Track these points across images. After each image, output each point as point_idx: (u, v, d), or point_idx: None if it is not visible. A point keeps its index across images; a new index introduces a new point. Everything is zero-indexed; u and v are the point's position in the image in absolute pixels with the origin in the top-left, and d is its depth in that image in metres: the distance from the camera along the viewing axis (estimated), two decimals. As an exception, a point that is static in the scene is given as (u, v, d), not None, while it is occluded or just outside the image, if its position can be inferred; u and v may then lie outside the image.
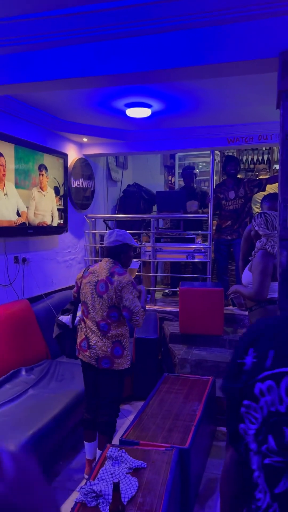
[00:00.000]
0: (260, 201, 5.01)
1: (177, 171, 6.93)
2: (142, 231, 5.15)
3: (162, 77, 2.29)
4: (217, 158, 6.96)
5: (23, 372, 3.06)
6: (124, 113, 3.69)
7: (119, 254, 2.49)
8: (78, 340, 2.56)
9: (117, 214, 5.64)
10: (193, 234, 4.96)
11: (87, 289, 2.48)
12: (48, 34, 2.22)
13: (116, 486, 1.51)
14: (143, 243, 4.98)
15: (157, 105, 3.48)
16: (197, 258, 4.77)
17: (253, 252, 2.68)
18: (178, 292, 4.30)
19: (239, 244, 4.57)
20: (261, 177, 5.37)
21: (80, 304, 2.59)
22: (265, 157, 6.44)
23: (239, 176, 5.28)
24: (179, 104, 3.47)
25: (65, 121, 4.16)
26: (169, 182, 6.82)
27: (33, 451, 2.24)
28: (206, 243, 4.77)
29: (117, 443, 2.37)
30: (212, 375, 3.51)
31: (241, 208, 4.57)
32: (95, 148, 4.85)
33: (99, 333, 2.44)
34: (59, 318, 2.69)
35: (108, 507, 1.65)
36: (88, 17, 2.08)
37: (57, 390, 2.85)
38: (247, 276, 2.71)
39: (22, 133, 3.66)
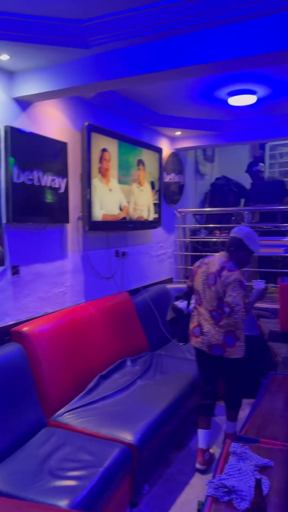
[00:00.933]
0: None
1: (268, 161, 6.64)
2: (235, 225, 5.01)
3: (276, 59, 2.16)
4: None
5: (129, 363, 3.13)
6: (225, 102, 3.60)
7: (233, 247, 2.52)
8: (191, 326, 2.66)
9: (206, 207, 5.56)
10: (290, 227, 4.71)
11: (200, 279, 2.60)
12: (155, 26, 2.21)
13: (258, 483, 1.46)
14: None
15: (262, 91, 3.33)
16: (276, 252, 4.52)
17: None
18: (278, 288, 4.10)
19: None
20: None
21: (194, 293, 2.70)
22: None
23: None
24: (286, 89, 3.29)
25: (160, 114, 4.18)
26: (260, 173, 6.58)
27: (149, 441, 2.27)
28: (307, 237, 4.49)
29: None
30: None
31: None
32: (187, 142, 4.81)
33: (212, 321, 2.55)
34: (175, 303, 2.80)
35: (243, 504, 1.60)
36: (197, 4, 2.01)
37: (164, 382, 2.88)
38: None
39: (123, 129, 3.75)
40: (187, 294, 2.79)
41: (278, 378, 3.02)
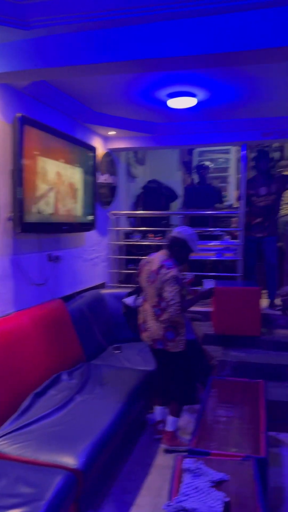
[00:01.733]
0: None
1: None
2: (167, 228, 5.04)
3: (225, 60, 2.17)
4: (237, 154, 6.88)
5: (65, 377, 2.92)
6: (164, 104, 3.57)
7: (174, 247, 2.68)
8: (139, 322, 2.85)
9: (136, 210, 5.50)
10: (221, 231, 4.86)
11: (144, 276, 2.76)
12: (91, 14, 2.08)
13: (227, 506, 1.39)
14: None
15: (202, 94, 3.37)
16: (226, 256, 4.67)
17: None
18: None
19: (269, 242, 4.48)
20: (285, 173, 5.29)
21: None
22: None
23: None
24: (224, 93, 3.36)
25: (95, 111, 4.02)
26: (190, 179, 6.74)
27: (94, 463, 2.10)
28: (236, 241, 4.67)
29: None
30: (255, 378, 3.41)
31: (272, 204, 4.47)
32: (121, 142, 4.71)
33: (154, 317, 2.71)
34: (124, 299, 2.98)
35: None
36: None
37: (105, 395, 2.72)
38: None
39: (55, 123, 3.51)
40: (137, 289, 2.92)
41: (218, 383, 3.05)
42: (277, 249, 4.59)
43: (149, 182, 5.86)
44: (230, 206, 5.69)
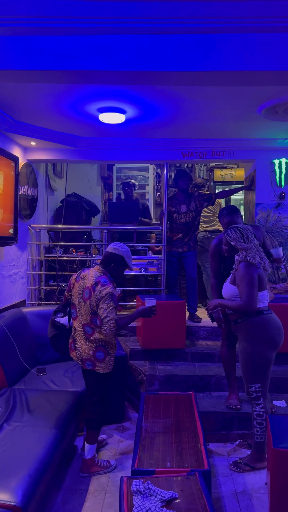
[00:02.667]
0: (213, 215, 5.22)
1: (115, 183, 6.90)
2: (91, 243, 4.96)
3: (152, 79, 2.27)
4: (154, 172, 7.12)
5: (-12, 405, 2.65)
6: (93, 117, 3.55)
7: (111, 263, 2.64)
8: (70, 340, 2.76)
9: (57, 224, 5.35)
10: (143, 246, 4.95)
11: (77, 293, 2.67)
12: (20, 19, 2.03)
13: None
14: (94, 255, 4.79)
15: (131, 111, 3.41)
16: (151, 271, 4.76)
17: (234, 266, 2.75)
18: (136, 305, 4.22)
19: (190, 257, 4.69)
20: (204, 192, 5.62)
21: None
22: (203, 173, 6.76)
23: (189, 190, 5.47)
24: (152, 112, 3.46)
25: (17, 120, 3.82)
26: (108, 196, 6.77)
27: (35, 494, 1.92)
28: (160, 256, 4.78)
29: (129, 474, 2.17)
30: (183, 390, 3.48)
31: (191, 221, 4.69)
32: (42, 153, 4.55)
33: (84, 336, 2.64)
34: (55, 320, 2.80)
35: None
36: (67, 5, 1.96)
37: (34, 422, 2.53)
38: (229, 289, 2.77)
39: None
40: (66, 306, 2.81)
41: (151, 398, 3.04)
42: (197, 263, 4.82)
43: (69, 195, 5.74)
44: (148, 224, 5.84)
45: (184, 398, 3.02)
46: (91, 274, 2.64)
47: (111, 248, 2.68)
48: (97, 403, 2.71)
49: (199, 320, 4.56)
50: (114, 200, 6.74)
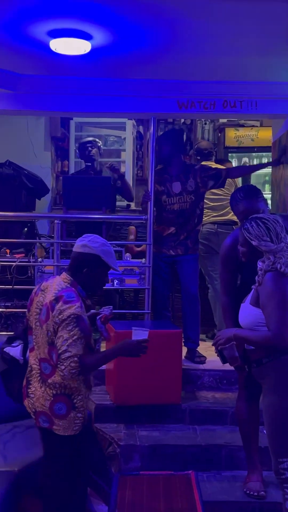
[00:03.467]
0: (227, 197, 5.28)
1: (73, 147, 6.90)
2: (36, 240, 4.93)
3: None
4: (134, 131, 7.15)
5: None
6: (42, 45, 3.58)
7: (82, 268, 2.67)
8: (24, 382, 2.79)
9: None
10: (117, 246, 4.95)
11: (34, 312, 2.73)
12: None
13: None
14: (40, 259, 4.78)
15: (100, 37, 3.46)
16: (128, 284, 4.77)
17: (257, 278, 2.79)
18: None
19: (187, 263, 4.73)
20: (211, 164, 5.67)
21: None
22: (209, 134, 6.87)
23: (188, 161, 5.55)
24: (133, 39, 3.52)
25: None
26: (62, 167, 6.75)
27: None
28: (142, 260, 4.80)
29: None
30: (178, 468, 3.49)
31: (190, 208, 4.69)
32: None
33: (39, 377, 2.69)
34: (5, 350, 2.89)
35: None
36: None
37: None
38: (250, 313, 2.80)
39: None
40: (23, 333, 2.88)
41: (129, 481, 3.04)
42: (197, 272, 4.86)
43: (0, 165, 5.70)
44: (127, 208, 5.85)
45: (180, 481, 3.03)
46: (54, 284, 2.69)
47: (78, 246, 2.71)
48: (59, 491, 2.71)
49: (202, 360, 4.58)
50: (72, 173, 6.68)
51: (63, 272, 2.76)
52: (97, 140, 5.64)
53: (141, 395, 3.96)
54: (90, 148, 5.44)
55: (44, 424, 2.66)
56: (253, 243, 2.75)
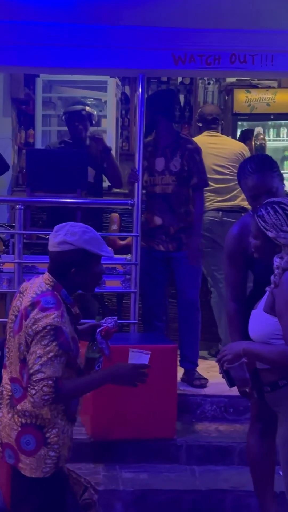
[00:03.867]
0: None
1: (40, 111, 6.89)
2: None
3: None
4: (118, 92, 7.14)
5: None
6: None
7: (67, 269, 2.68)
8: None
9: None
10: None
11: (10, 319, 2.78)
12: None
13: None
14: (-3, 255, 4.78)
15: None
16: (110, 286, 4.77)
17: (272, 278, 2.76)
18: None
19: (180, 261, 4.77)
20: (216, 135, 5.65)
21: None
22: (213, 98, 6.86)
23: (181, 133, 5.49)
24: None
25: None
26: (27, 137, 6.73)
27: None
28: (128, 257, 4.82)
29: None
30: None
31: (174, 194, 4.76)
32: None
33: (9, 400, 2.71)
34: None
35: None
36: None
37: None
38: (263, 323, 2.79)
39: None
40: (2, 344, 2.94)
41: None
42: (198, 273, 4.89)
43: None
44: (109, 191, 5.83)
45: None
46: (34, 286, 2.72)
47: (53, 244, 2.69)
48: None
49: (203, 383, 4.61)
50: (39, 146, 6.70)
51: (46, 272, 2.77)
52: (88, 109, 5.60)
53: (125, 427, 3.98)
54: (78, 123, 5.40)
55: (10, 460, 2.69)
56: (269, 234, 2.73)
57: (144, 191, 4.76)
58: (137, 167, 4.70)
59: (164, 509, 3.65)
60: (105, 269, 2.98)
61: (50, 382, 2.49)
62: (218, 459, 4.01)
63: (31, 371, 2.53)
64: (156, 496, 3.68)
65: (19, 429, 2.63)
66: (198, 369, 4.69)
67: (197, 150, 4.85)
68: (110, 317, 2.95)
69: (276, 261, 2.74)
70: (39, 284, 2.71)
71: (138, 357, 2.71)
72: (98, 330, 2.82)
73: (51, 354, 2.51)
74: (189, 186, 4.81)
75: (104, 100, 7.07)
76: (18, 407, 2.64)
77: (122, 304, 5.31)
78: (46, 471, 2.64)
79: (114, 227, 5.57)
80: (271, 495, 3.35)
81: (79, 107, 5.56)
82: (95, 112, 5.61)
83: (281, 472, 2.88)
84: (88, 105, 5.49)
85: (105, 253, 2.73)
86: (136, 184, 4.68)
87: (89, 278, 2.76)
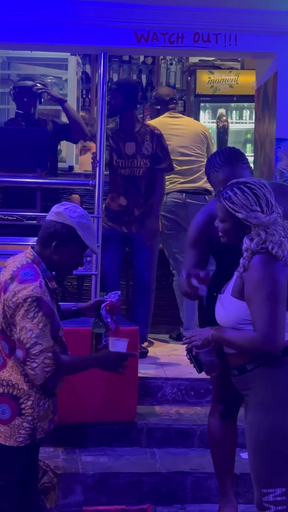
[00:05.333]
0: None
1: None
2: None
3: None
4: (78, 71, 7.10)
5: None
6: None
7: (51, 240, 2.77)
8: None
9: None
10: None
11: None
12: None
13: None
14: None
15: None
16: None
17: (241, 261, 2.75)
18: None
19: (140, 242, 4.83)
20: (176, 115, 5.65)
21: None
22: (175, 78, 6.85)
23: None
24: None
25: None
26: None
27: None
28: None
29: None
30: (133, 502, 3.52)
31: (144, 176, 4.84)
32: None
33: None
34: None
35: None
36: None
37: None
38: (231, 308, 2.79)
39: None
40: None
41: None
42: (154, 254, 4.97)
43: None
44: (69, 171, 5.80)
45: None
46: (16, 261, 2.81)
47: (51, 213, 2.82)
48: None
49: (144, 352, 4.78)
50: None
51: (29, 247, 2.86)
52: (41, 82, 5.52)
53: (85, 411, 3.99)
54: (26, 99, 5.32)
55: None
56: (239, 215, 2.69)
57: (107, 172, 4.76)
58: (99, 148, 4.68)
59: (124, 492, 3.65)
60: (82, 264, 3.12)
61: (50, 354, 2.59)
62: (179, 441, 4.04)
63: (28, 345, 2.58)
64: (116, 479, 3.69)
65: None
66: (159, 352, 4.84)
67: (163, 136, 4.97)
68: (113, 292, 3.03)
69: (246, 242, 2.70)
70: (20, 258, 2.80)
71: (119, 345, 2.78)
72: (102, 305, 2.91)
73: (41, 324, 2.60)
74: (156, 170, 4.88)
75: (64, 78, 7.03)
76: None
77: (83, 286, 5.32)
78: (20, 441, 2.70)
79: (76, 208, 5.56)
80: (231, 477, 3.38)
81: (30, 82, 5.49)
82: (55, 90, 5.54)
83: (241, 454, 2.91)
84: (42, 83, 5.38)
85: (91, 245, 2.82)
86: (98, 165, 4.66)
87: (64, 260, 2.81)
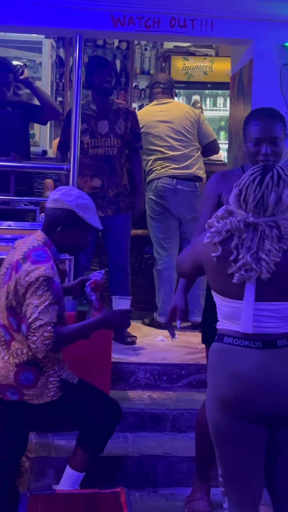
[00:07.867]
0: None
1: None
2: None
3: None
4: (53, 54, 7.07)
5: None
6: None
7: (55, 226, 2.97)
8: None
9: None
10: (29, 203, 4.95)
11: (1, 271, 3.07)
12: None
13: None
14: None
15: None
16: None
17: None
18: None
19: (120, 224, 4.90)
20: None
21: None
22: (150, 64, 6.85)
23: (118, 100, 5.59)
24: None
25: None
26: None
27: None
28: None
29: None
30: (105, 485, 3.51)
31: (117, 155, 4.88)
32: None
33: (1, 343, 3.02)
34: None
35: None
36: None
37: None
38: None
39: None
40: None
41: (39, 502, 3.04)
42: (128, 237, 5.05)
43: None
44: (43, 155, 5.79)
45: (106, 501, 3.05)
46: (26, 242, 3.00)
47: (50, 200, 3.02)
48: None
49: (134, 339, 4.89)
50: None
51: (38, 230, 3.06)
52: (19, 63, 5.46)
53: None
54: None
55: (14, 397, 2.99)
56: None
57: (81, 155, 4.73)
58: (73, 131, 4.66)
59: (97, 475, 3.67)
60: (90, 240, 3.30)
61: (49, 327, 2.77)
62: (151, 426, 4.08)
63: (30, 320, 2.78)
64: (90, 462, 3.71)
65: (15, 369, 2.93)
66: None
67: (136, 114, 5.05)
68: (98, 271, 3.22)
69: None
70: (31, 240, 2.99)
71: (122, 302, 2.98)
72: (87, 283, 3.09)
73: (47, 302, 2.79)
74: (135, 147, 4.96)
75: (38, 61, 7.00)
76: (12, 348, 2.95)
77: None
78: (51, 395, 2.99)
79: (48, 193, 5.52)
80: (211, 462, 3.40)
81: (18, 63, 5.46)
82: (27, 74, 5.42)
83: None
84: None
85: (92, 222, 2.98)
86: (72, 149, 4.66)
87: (72, 241, 3.03)
